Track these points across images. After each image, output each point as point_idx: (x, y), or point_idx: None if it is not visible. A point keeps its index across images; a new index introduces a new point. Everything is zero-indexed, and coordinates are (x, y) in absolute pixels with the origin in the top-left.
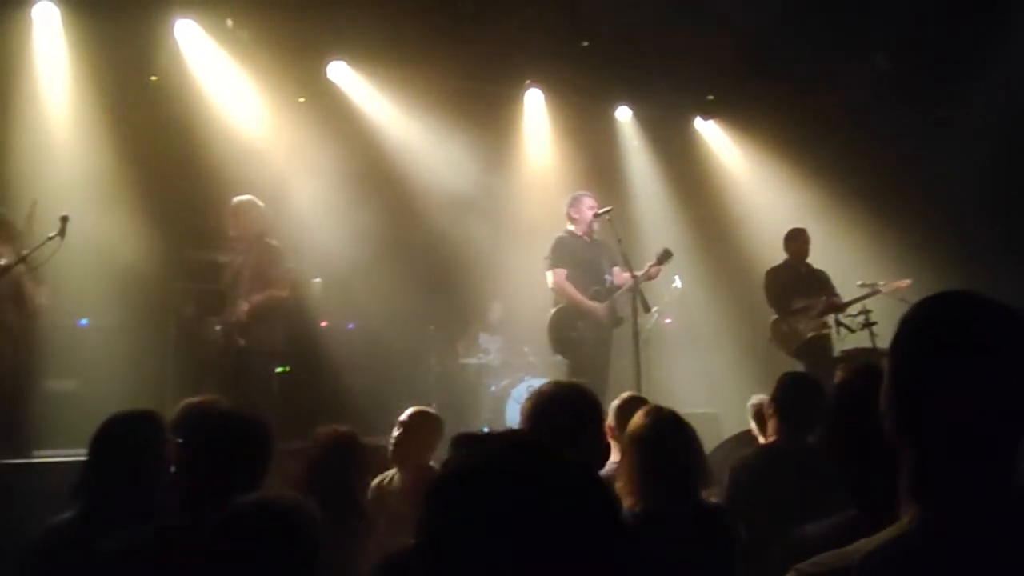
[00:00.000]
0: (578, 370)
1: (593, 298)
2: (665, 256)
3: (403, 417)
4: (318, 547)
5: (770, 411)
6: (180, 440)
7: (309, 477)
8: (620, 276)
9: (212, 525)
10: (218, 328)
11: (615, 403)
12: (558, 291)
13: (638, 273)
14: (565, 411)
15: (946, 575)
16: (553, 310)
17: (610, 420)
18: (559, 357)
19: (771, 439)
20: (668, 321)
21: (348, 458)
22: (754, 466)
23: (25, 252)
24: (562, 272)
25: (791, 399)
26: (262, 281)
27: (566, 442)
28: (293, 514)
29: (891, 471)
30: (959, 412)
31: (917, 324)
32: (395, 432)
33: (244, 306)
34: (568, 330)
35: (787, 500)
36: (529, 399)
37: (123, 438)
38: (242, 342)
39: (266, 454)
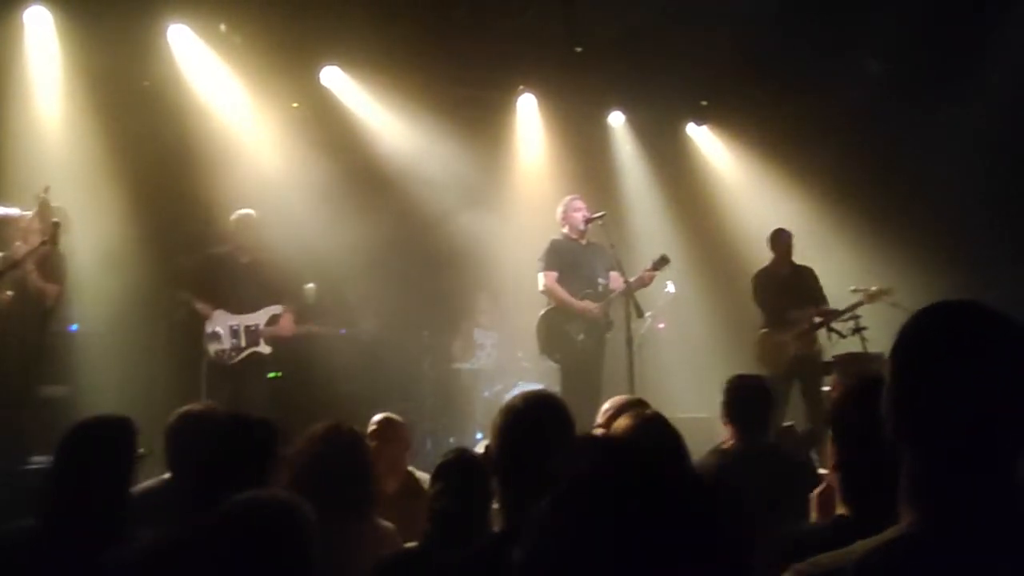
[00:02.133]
0: (568, 373)
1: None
2: (662, 262)
3: (372, 427)
4: (311, 547)
5: (724, 419)
6: (174, 447)
7: (309, 474)
8: (616, 280)
9: (203, 527)
10: (231, 325)
11: (608, 407)
12: (548, 293)
13: (631, 279)
14: (533, 426)
15: None
16: (542, 312)
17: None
18: (551, 361)
19: (729, 443)
20: (661, 326)
21: (353, 452)
22: (712, 470)
23: (16, 258)
24: (552, 275)
25: (742, 402)
26: (275, 296)
27: (537, 456)
28: (285, 514)
29: (887, 477)
30: (959, 419)
31: (918, 332)
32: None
33: (290, 322)
34: (556, 332)
35: (749, 502)
36: (498, 415)
37: (92, 444)
38: (268, 349)
39: (269, 457)
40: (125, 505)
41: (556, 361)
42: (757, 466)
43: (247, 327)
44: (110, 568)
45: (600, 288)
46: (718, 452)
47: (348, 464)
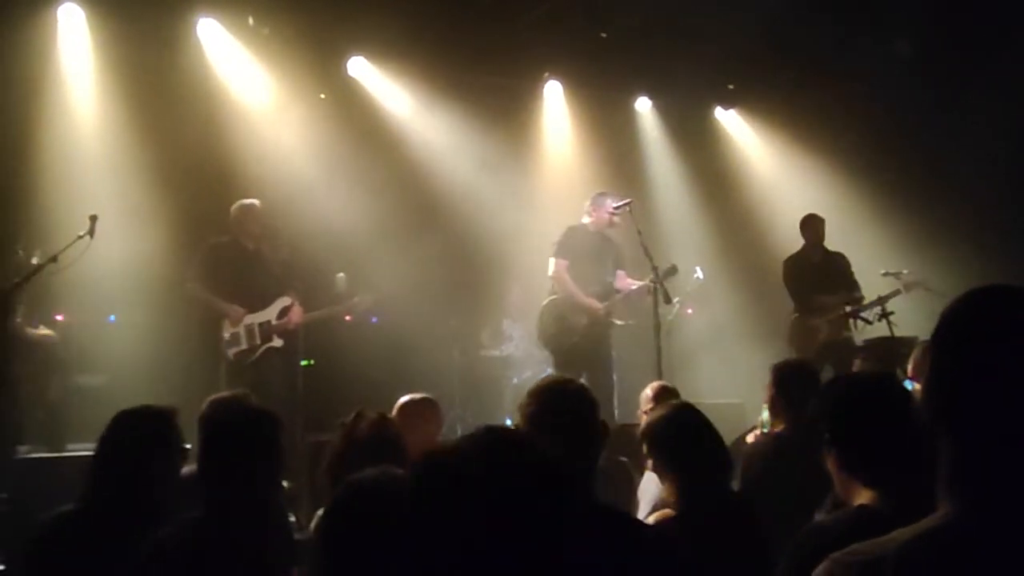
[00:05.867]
0: (561, 364)
1: (589, 296)
2: (670, 272)
3: (403, 405)
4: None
5: (772, 404)
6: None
7: (345, 457)
8: (623, 280)
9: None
10: (246, 326)
11: (648, 392)
12: (556, 280)
13: (633, 287)
14: (560, 405)
15: (983, 566)
16: (546, 301)
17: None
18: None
19: (779, 428)
20: (690, 312)
21: (394, 443)
22: (766, 455)
23: (56, 252)
24: (564, 263)
25: (792, 388)
26: (283, 286)
27: (563, 435)
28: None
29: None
30: (999, 404)
31: (960, 316)
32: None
33: (299, 312)
34: (556, 323)
35: (799, 487)
36: (526, 396)
37: (132, 434)
38: (281, 343)
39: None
40: (168, 493)
41: (551, 351)
42: (808, 451)
43: (260, 324)
44: (159, 550)
45: (607, 285)
46: (772, 436)
47: (378, 446)
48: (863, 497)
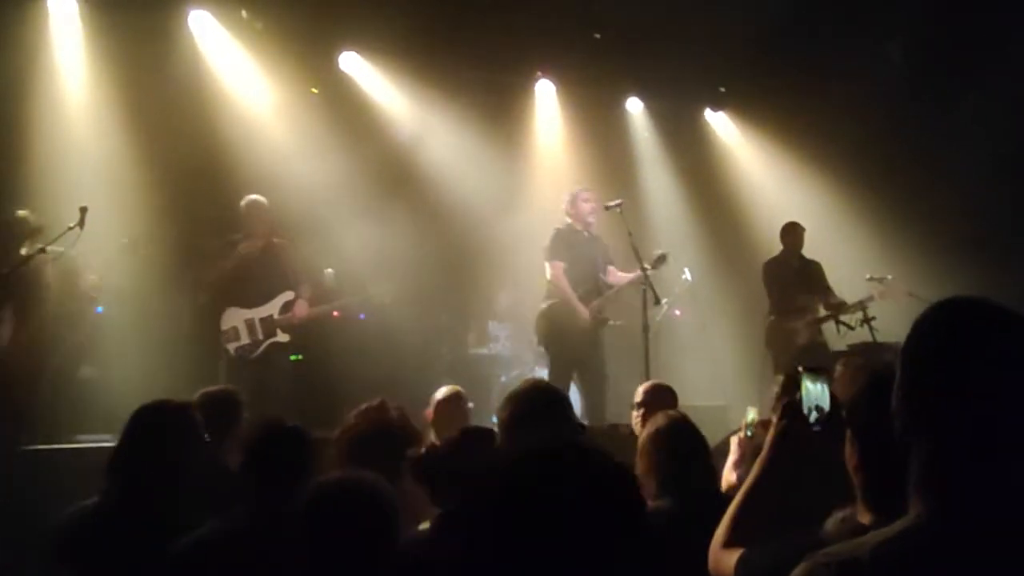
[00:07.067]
0: (558, 364)
1: (582, 297)
2: (660, 261)
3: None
4: (397, 526)
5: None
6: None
7: (354, 445)
8: (614, 275)
9: (299, 506)
10: (246, 320)
11: (641, 389)
12: (555, 284)
13: (628, 275)
14: (518, 411)
15: (953, 566)
16: (545, 305)
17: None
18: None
19: None
20: (678, 313)
21: (402, 436)
22: None
23: (44, 244)
24: (561, 265)
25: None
26: (289, 283)
27: (531, 437)
28: (377, 493)
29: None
30: (968, 414)
31: (929, 327)
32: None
33: (303, 307)
34: (555, 326)
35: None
36: (503, 402)
37: (155, 427)
38: (287, 337)
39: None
40: (193, 485)
41: (552, 353)
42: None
43: (262, 319)
44: (180, 553)
45: (600, 282)
46: None
47: (403, 437)
48: (865, 517)
